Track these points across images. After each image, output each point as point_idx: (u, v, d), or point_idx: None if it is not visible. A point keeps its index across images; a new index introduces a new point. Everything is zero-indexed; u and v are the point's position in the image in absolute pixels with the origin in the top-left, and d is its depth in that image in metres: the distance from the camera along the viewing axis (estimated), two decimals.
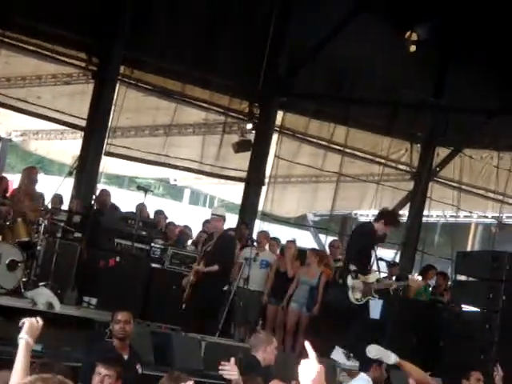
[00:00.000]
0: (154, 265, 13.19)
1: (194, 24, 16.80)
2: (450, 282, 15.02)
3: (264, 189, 18.59)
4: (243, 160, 18.19)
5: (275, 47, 17.76)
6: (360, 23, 16.91)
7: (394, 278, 14.45)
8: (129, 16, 16.07)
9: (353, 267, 11.16)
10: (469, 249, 24.10)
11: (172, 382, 5.92)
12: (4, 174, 17.05)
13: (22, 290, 11.12)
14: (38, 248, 11.70)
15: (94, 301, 12.19)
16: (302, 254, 13.94)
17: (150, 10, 16.29)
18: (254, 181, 18.17)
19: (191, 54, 16.79)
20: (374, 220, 12.09)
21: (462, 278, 13.97)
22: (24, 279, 11.29)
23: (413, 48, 17.04)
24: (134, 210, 14.15)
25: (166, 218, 15.65)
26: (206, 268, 12.08)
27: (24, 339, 4.42)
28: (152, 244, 13.42)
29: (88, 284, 12.47)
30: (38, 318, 4.65)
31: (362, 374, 8.95)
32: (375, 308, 11.85)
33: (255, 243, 14.06)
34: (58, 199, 14.00)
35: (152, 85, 17.35)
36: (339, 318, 12.06)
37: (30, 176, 12.97)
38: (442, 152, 20.23)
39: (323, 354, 11.67)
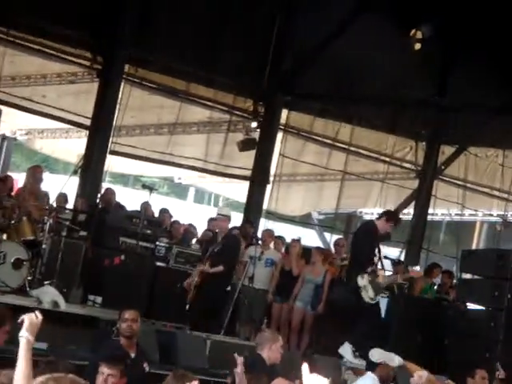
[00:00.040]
0: (158, 263, 13.19)
1: (198, 23, 16.82)
2: (455, 281, 15.01)
3: (269, 187, 18.60)
4: (248, 158, 18.19)
5: (279, 45, 17.76)
6: (363, 22, 16.90)
7: (400, 280, 14.44)
8: (133, 15, 16.09)
9: (366, 268, 11.17)
10: (474, 247, 24.07)
11: (177, 381, 5.93)
12: (9, 173, 17.10)
13: (28, 289, 11.14)
14: (43, 246, 11.72)
15: (99, 299, 12.20)
16: (306, 252, 13.94)
17: (155, 8, 16.30)
18: (258, 179, 18.17)
19: (196, 52, 16.81)
20: (376, 218, 12.13)
21: (467, 276, 13.96)
22: (29, 278, 11.31)
23: (418, 46, 17.03)
24: (138, 208, 14.17)
25: (171, 216, 15.65)
26: (211, 269, 12.05)
27: (25, 337, 4.39)
28: (157, 242, 13.42)
29: (93, 282, 12.48)
30: (37, 313, 4.62)
31: (369, 373, 8.96)
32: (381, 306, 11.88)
33: (260, 242, 14.06)
34: (62, 198, 14.01)
35: (157, 83, 17.36)
36: (344, 316, 12.07)
37: (35, 175, 12.99)
38: (447, 150, 20.21)
39: (328, 353, 11.70)
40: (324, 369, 9.91)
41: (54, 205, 12.92)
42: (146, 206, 13.82)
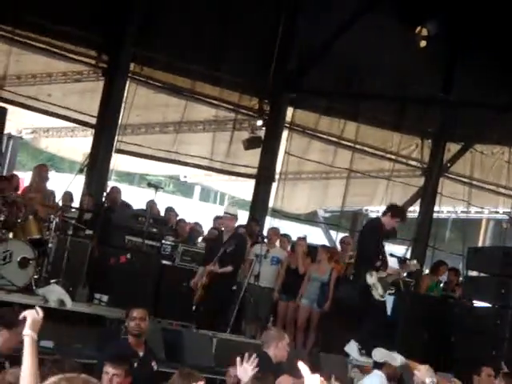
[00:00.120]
0: (164, 262, 13.20)
1: (203, 22, 16.81)
2: (461, 278, 15.00)
3: (274, 185, 18.59)
4: (253, 157, 18.19)
5: (285, 43, 17.75)
6: (368, 20, 16.87)
7: (405, 274, 14.42)
8: (139, 13, 16.09)
9: (374, 263, 11.16)
10: (480, 244, 24.04)
11: (183, 379, 5.92)
12: (15, 172, 17.14)
13: (34, 288, 11.15)
14: (50, 245, 11.74)
15: (105, 298, 12.20)
16: (312, 250, 13.94)
17: (160, 7, 16.29)
18: (264, 177, 18.17)
19: (201, 51, 16.82)
20: (381, 214, 12.09)
21: (474, 273, 13.96)
22: (35, 276, 11.32)
23: (423, 43, 17.01)
24: (144, 207, 14.17)
25: (177, 215, 15.66)
26: (220, 269, 11.96)
27: (29, 335, 4.39)
28: (163, 241, 13.43)
29: (99, 281, 12.49)
30: (38, 309, 4.62)
31: (376, 371, 8.95)
32: (387, 304, 11.88)
33: (266, 240, 14.06)
34: (68, 197, 14.02)
35: (162, 82, 17.36)
36: (350, 314, 12.07)
37: (41, 173, 13.01)
38: (452, 147, 20.19)
39: (334, 351, 11.70)
40: (330, 367, 9.92)
41: (60, 203, 12.95)
42: (151, 204, 13.82)
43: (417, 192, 20.31)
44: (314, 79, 18.15)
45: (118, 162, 17.33)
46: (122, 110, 16.34)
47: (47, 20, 15.26)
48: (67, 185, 13.37)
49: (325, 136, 19.32)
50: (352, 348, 11.22)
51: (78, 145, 20.35)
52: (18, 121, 20.09)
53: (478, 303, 13.50)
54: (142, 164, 20.06)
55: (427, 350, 12.28)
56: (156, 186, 13.32)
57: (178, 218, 15.53)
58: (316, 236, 21.53)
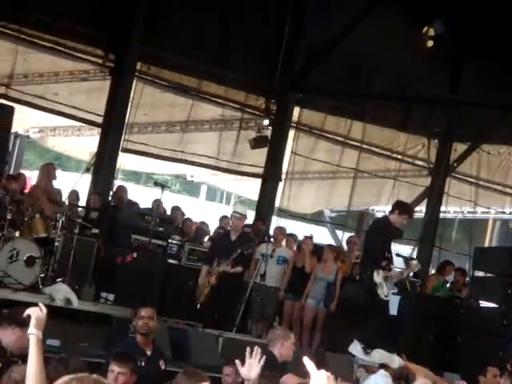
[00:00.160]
0: (170, 261, 13.21)
1: (210, 21, 16.82)
2: (467, 278, 14.97)
3: (281, 185, 18.58)
4: (260, 156, 18.18)
5: (291, 43, 17.74)
6: (375, 19, 16.85)
7: (411, 274, 14.41)
8: (145, 12, 16.08)
9: (380, 263, 11.14)
10: (486, 244, 24.02)
11: (187, 378, 5.92)
12: (22, 171, 17.17)
13: (40, 286, 11.17)
14: (56, 244, 11.76)
15: (111, 296, 12.23)
16: (318, 250, 13.93)
17: (167, 6, 16.29)
18: (270, 177, 18.16)
19: (208, 50, 16.81)
20: (389, 213, 12.02)
21: (480, 273, 13.93)
22: (42, 275, 11.35)
23: (430, 43, 16.99)
24: (150, 206, 14.18)
25: (183, 214, 15.67)
26: (231, 269, 11.87)
27: (34, 334, 4.38)
28: (169, 240, 13.44)
29: (105, 280, 12.51)
30: (41, 305, 4.62)
31: (382, 371, 8.95)
32: (393, 304, 11.85)
33: (272, 239, 14.06)
34: (74, 195, 14.06)
35: (168, 81, 17.36)
36: (356, 314, 12.05)
37: (48, 172, 13.03)
38: (459, 147, 20.15)
39: (340, 351, 11.68)
40: (336, 366, 9.91)
41: (66, 202, 12.97)
42: (157, 203, 13.83)
43: (423, 192, 20.28)
44: (320, 79, 18.13)
45: (125, 161, 17.34)
46: (128, 109, 16.34)
47: (54, 19, 15.27)
48: (74, 184, 13.40)
49: (331, 136, 19.30)
50: (355, 348, 11.20)
51: (85, 144, 20.38)
52: (25, 120, 20.13)
53: (484, 303, 13.48)
54: (148, 163, 20.08)
55: (433, 350, 12.27)
56: (162, 185, 13.33)
57: (184, 218, 15.54)
58: (322, 236, 21.51)
